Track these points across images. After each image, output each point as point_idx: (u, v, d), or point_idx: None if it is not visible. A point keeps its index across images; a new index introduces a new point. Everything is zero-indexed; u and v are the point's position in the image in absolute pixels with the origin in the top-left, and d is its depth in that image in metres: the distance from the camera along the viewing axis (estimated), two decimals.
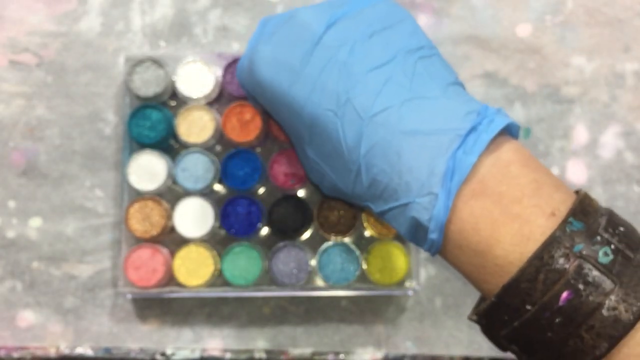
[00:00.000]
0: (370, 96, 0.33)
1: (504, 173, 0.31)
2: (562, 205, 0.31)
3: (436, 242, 0.32)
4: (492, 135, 0.31)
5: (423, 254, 0.49)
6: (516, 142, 0.33)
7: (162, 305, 0.50)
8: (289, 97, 0.35)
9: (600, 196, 0.50)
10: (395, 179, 0.32)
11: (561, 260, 0.29)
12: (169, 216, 0.47)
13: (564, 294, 0.28)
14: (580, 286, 0.28)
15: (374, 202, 0.34)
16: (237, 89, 0.48)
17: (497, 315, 0.30)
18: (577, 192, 0.33)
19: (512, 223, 0.30)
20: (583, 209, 0.30)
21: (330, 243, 0.47)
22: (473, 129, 0.31)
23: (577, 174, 0.50)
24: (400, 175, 0.32)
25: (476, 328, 0.49)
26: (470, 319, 0.32)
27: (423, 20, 0.52)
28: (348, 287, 0.47)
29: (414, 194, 0.31)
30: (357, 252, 0.46)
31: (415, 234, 0.33)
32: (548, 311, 0.28)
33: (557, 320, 0.28)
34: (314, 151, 0.36)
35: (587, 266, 0.28)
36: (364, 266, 0.47)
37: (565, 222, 0.29)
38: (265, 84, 0.36)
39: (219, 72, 0.49)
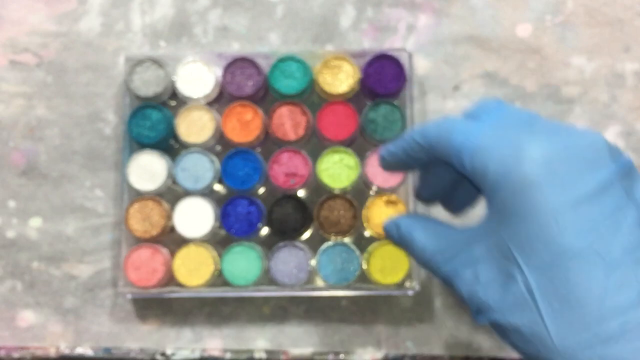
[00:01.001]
0: None
1: None
2: None
3: None
4: None
5: None
6: None
7: (162, 305, 0.50)
8: (551, 215, 0.28)
9: None
10: None
11: None
12: (169, 216, 0.47)
13: None
14: None
15: None
16: (237, 89, 0.48)
17: None
18: None
19: None
20: None
21: (330, 243, 0.47)
22: None
23: None
24: None
25: (476, 328, 0.49)
26: None
27: (423, 20, 0.52)
28: (348, 287, 0.47)
29: None
30: (357, 252, 0.46)
31: None
32: None
33: None
34: (542, 284, 0.29)
35: None
36: (364, 266, 0.47)
37: None
38: (528, 183, 0.28)
39: (219, 72, 0.49)
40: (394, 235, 0.35)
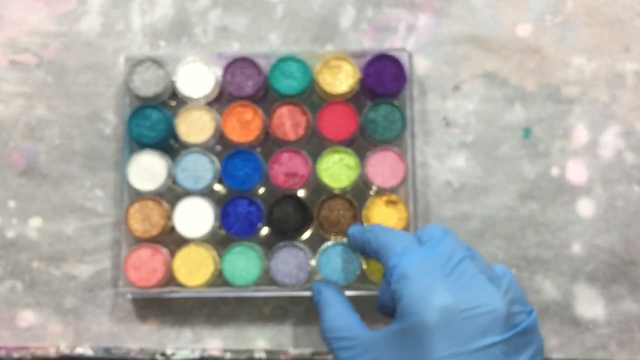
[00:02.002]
0: None
1: None
2: None
3: None
4: None
5: None
6: None
7: (162, 305, 0.50)
8: (431, 355, 0.34)
9: (600, 196, 0.50)
10: None
11: None
12: (169, 216, 0.47)
13: None
14: None
15: None
16: (237, 89, 0.48)
17: None
18: None
19: None
20: None
21: (330, 243, 0.47)
22: None
23: (577, 174, 0.50)
24: None
25: None
26: None
27: (423, 20, 0.52)
28: (348, 287, 0.47)
29: None
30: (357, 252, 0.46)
31: None
32: None
33: None
34: None
35: None
36: (364, 266, 0.47)
37: None
38: (424, 326, 0.34)
39: (219, 72, 0.49)
40: (314, 295, 0.42)
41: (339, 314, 0.40)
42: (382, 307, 0.40)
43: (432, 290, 0.35)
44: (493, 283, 0.36)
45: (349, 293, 0.47)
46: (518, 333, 0.35)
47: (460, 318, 0.34)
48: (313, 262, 0.47)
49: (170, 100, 0.50)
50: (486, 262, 0.38)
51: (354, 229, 0.44)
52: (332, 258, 0.47)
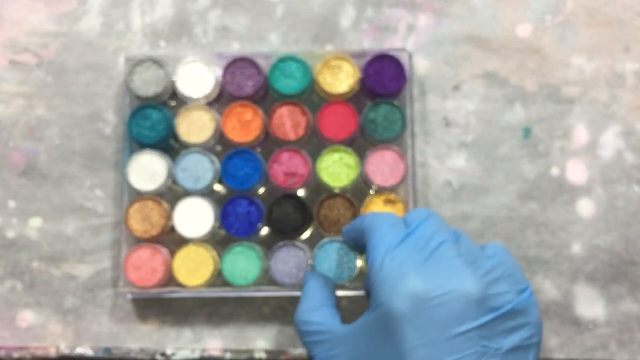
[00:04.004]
0: None
1: None
2: None
3: None
4: None
5: None
6: None
7: (162, 305, 0.50)
8: (406, 349, 0.33)
9: (601, 196, 0.50)
10: None
11: None
12: (169, 216, 0.47)
13: None
14: None
15: None
16: (237, 89, 0.48)
17: None
18: None
19: None
20: None
21: (326, 239, 0.47)
22: None
23: (577, 174, 0.50)
24: None
25: None
26: None
27: (423, 20, 0.52)
28: (348, 287, 0.47)
29: None
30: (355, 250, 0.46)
31: None
32: None
33: None
34: None
35: None
36: (361, 264, 0.47)
37: None
38: (393, 314, 0.33)
39: (219, 72, 0.49)
40: (302, 285, 0.42)
41: (313, 307, 0.39)
42: (368, 297, 0.39)
43: (402, 278, 0.33)
44: (474, 265, 0.35)
45: (349, 293, 0.47)
46: (501, 316, 0.33)
47: (430, 305, 0.32)
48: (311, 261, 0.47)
49: (170, 100, 0.50)
50: (474, 244, 0.37)
51: (348, 224, 0.43)
52: (328, 254, 0.46)
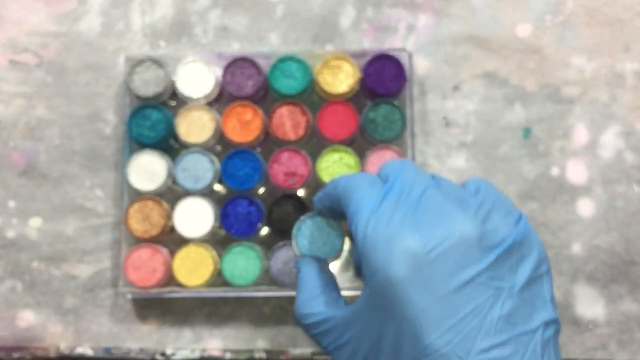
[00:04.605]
0: None
1: None
2: None
3: None
4: None
5: None
6: None
7: (162, 305, 0.50)
8: (415, 314, 0.29)
9: (601, 196, 0.50)
10: None
11: None
12: (169, 216, 0.47)
13: None
14: None
15: None
16: (237, 89, 0.48)
17: None
18: None
19: None
20: None
21: (302, 217, 0.41)
22: None
23: (577, 174, 0.50)
24: None
25: None
26: None
27: (423, 20, 0.52)
28: (348, 287, 0.47)
29: None
30: (342, 230, 0.41)
31: None
32: None
33: None
34: None
35: None
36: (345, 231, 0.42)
37: None
38: (393, 280, 0.30)
39: (219, 72, 0.49)
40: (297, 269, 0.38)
41: (312, 296, 0.36)
42: (360, 271, 0.36)
43: (392, 239, 0.30)
44: (462, 205, 0.31)
45: (349, 293, 0.47)
46: (505, 251, 0.30)
47: (430, 260, 0.29)
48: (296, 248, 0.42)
49: (170, 100, 0.50)
50: (455, 184, 0.34)
51: (319, 192, 0.39)
52: (310, 232, 0.41)
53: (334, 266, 0.48)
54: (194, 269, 0.47)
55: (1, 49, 0.52)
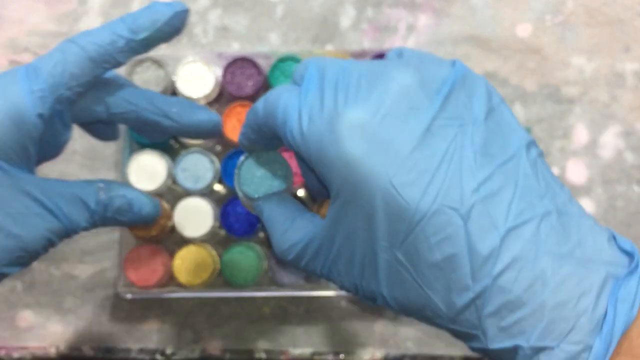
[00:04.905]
0: (504, 202, 0.26)
1: None
2: None
3: None
4: None
5: None
6: None
7: (162, 305, 0.50)
8: (388, 186, 0.26)
9: (600, 196, 0.50)
10: (536, 313, 0.26)
11: None
12: (169, 216, 0.47)
13: None
14: None
15: (488, 333, 0.28)
16: (237, 89, 0.48)
17: None
18: None
19: None
20: None
21: (241, 158, 0.35)
22: (632, 272, 0.26)
23: (577, 174, 0.50)
24: (543, 309, 0.26)
25: None
26: None
27: (423, 20, 0.52)
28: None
29: (558, 337, 0.26)
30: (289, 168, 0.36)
31: None
32: None
33: None
34: (409, 256, 0.28)
35: None
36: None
37: None
38: (351, 161, 0.27)
39: (219, 72, 0.49)
40: (261, 217, 0.34)
41: (286, 227, 0.32)
42: (316, 192, 0.34)
43: (332, 123, 0.27)
44: (387, 64, 0.29)
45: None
46: (450, 91, 0.28)
47: (378, 123, 0.27)
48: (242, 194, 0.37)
49: None
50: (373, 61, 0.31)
51: (242, 127, 0.34)
52: (253, 173, 0.35)
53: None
54: (194, 269, 0.47)
55: (1, 49, 0.52)
